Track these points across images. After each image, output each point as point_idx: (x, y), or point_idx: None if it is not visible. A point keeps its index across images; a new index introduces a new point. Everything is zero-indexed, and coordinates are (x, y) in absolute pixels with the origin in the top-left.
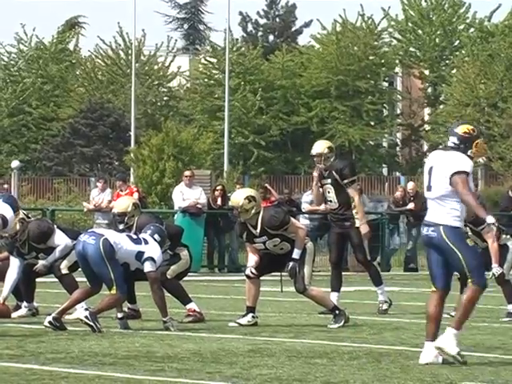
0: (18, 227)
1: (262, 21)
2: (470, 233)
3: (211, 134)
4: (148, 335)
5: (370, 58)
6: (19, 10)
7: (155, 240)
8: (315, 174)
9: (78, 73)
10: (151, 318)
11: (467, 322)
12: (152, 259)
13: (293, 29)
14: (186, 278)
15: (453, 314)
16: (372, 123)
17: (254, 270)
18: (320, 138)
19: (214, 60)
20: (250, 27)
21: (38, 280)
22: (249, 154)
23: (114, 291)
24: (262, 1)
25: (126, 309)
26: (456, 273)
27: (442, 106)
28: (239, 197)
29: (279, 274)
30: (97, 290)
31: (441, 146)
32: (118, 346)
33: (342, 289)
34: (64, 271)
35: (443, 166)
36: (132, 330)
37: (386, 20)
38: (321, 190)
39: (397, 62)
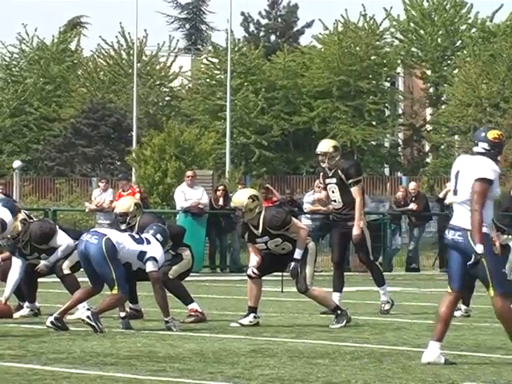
0: (20, 228)
1: (264, 21)
2: None
3: (213, 134)
4: (150, 335)
5: (372, 58)
6: (21, 9)
7: (157, 240)
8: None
9: (79, 73)
10: (153, 318)
11: (468, 322)
12: (154, 259)
13: (294, 29)
14: (187, 278)
15: (454, 313)
16: (374, 123)
17: (255, 270)
18: (322, 138)
19: (215, 60)
20: (251, 27)
21: (39, 280)
22: (250, 154)
23: (115, 291)
24: (264, 1)
25: (127, 309)
26: None
27: (443, 106)
28: (243, 197)
29: (281, 274)
30: (98, 290)
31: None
32: (119, 346)
33: (344, 289)
34: (66, 271)
35: (469, 170)
36: (134, 330)
37: (387, 20)
38: (324, 192)
39: (399, 62)
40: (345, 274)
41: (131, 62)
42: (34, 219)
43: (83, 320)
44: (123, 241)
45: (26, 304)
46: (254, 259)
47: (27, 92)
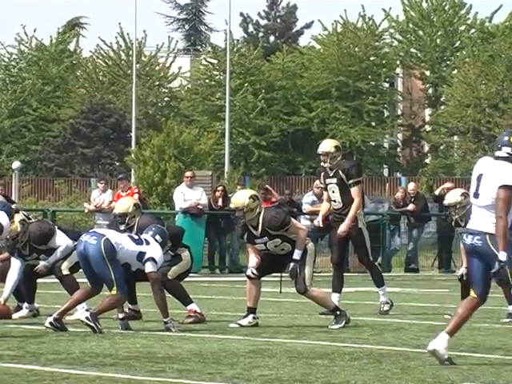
0: (19, 229)
1: (263, 22)
2: None
3: (212, 134)
4: (149, 336)
5: (371, 58)
6: (20, 10)
7: (156, 241)
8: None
9: (78, 73)
10: (152, 318)
11: (467, 322)
12: (153, 260)
13: (294, 30)
14: (186, 279)
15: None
16: (373, 124)
17: (254, 271)
18: (321, 138)
19: (214, 61)
20: (250, 28)
21: (38, 281)
22: (250, 154)
23: (114, 292)
24: (263, 2)
25: (126, 309)
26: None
27: (442, 107)
28: (243, 196)
29: (280, 274)
30: (97, 291)
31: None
32: (118, 347)
33: (343, 290)
34: (65, 272)
35: (493, 176)
36: (133, 330)
37: (386, 21)
38: (325, 193)
39: (398, 62)
40: (344, 274)
41: (130, 62)
42: (33, 220)
43: (82, 321)
44: (122, 241)
45: (25, 305)
46: (253, 260)
47: (26, 93)
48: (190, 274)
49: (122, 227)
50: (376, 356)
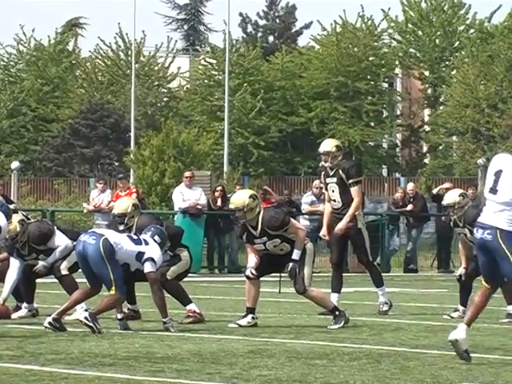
0: (18, 229)
1: (262, 22)
2: (468, 234)
3: (211, 134)
4: (148, 336)
5: (370, 58)
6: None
7: (155, 241)
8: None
9: (77, 74)
10: (151, 318)
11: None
12: (152, 260)
13: (293, 30)
14: (185, 279)
15: (453, 315)
16: (372, 124)
17: (253, 271)
18: (320, 138)
19: (213, 61)
20: (249, 28)
21: (37, 281)
22: (249, 154)
23: (113, 292)
24: (262, 2)
25: (125, 309)
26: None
27: (441, 107)
28: (243, 196)
29: (279, 274)
30: (97, 291)
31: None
32: (117, 347)
33: (342, 290)
34: (64, 272)
35: None
36: (132, 330)
37: (385, 21)
38: (325, 192)
39: (397, 62)
40: (343, 274)
41: (129, 62)
42: (32, 220)
43: (81, 321)
44: (121, 241)
45: (24, 305)
46: (252, 260)
47: (24, 93)
48: (189, 274)
49: (121, 227)
50: (375, 356)
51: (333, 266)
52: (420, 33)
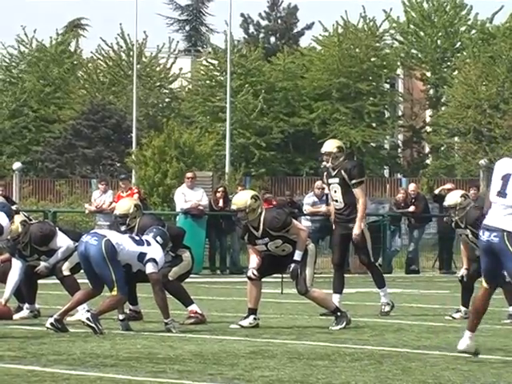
0: (20, 229)
1: (264, 22)
2: (470, 235)
3: (213, 135)
4: (149, 337)
5: (372, 59)
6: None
7: (157, 242)
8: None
9: (79, 74)
10: (153, 319)
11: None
12: (154, 261)
13: (294, 30)
14: (187, 280)
15: (454, 315)
16: (373, 125)
17: (255, 272)
18: (321, 139)
19: (215, 62)
20: (251, 29)
21: (39, 282)
22: (250, 155)
23: (115, 292)
24: (264, 2)
25: (127, 310)
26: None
27: (443, 108)
28: (245, 197)
29: (280, 275)
30: (98, 292)
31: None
32: (119, 348)
33: (344, 290)
34: (66, 273)
35: None
36: (133, 331)
37: (387, 22)
38: (326, 189)
39: (398, 63)
40: (345, 275)
41: (131, 63)
42: (34, 221)
43: (83, 321)
44: (123, 242)
45: (26, 305)
46: (253, 261)
47: (26, 94)
48: (191, 275)
49: (123, 228)
50: (377, 357)
51: (334, 266)
52: (422, 33)
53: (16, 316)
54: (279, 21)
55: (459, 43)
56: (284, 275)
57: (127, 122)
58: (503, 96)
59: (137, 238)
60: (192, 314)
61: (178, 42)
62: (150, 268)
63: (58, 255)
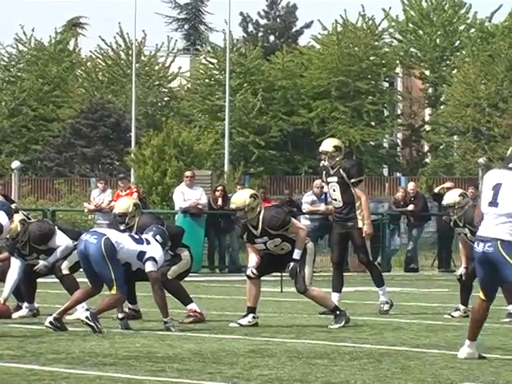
0: (19, 228)
1: (263, 21)
2: (468, 234)
3: (212, 134)
4: (149, 335)
5: (371, 58)
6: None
7: (157, 241)
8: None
9: (78, 73)
10: (152, 318)
11: (467, 322)
12: (154, 259)
13: (293, 29)
14: (186, 279)
15: (453, 314)
16: (372, 124)
17: (254, 271)
18: (320, 138)
19: (214, 60)
20: (250, 27)
21: (38, 280)
22: (249, 154)
23: (114, 291)
24: (263, 1)
25: (126, 309)
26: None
27: (442, 107)
28: (244, 196)
29: (280, 274)
30: (98, 291)
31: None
32: (118, 347)
33: (343, 289)
34: (65, 272)
35: None
36: (133, 330)
37: (386, 20)
38: (325, 188)
39: (397, 62)
40: (344, 274)
41: (130, 62)
42: (33, 220)
43: (82, 320)
44: (123, 241)
45: (25, 304)
46: (253, 259)
47: (25, 93)
48: (190, 274)
49: (122, 227)
50: (376, 356)
51: (333, 265)
52: (421, 32)
53: (15, 315)
54: (278, 19)
55: (458, 42)
56: (283, 274)
57: (126, 120)
58: (502, 95)
59: (136, 236)
60: (191, 313)
61: (176, 40)
62: (149, 266)
63: (57, 254)
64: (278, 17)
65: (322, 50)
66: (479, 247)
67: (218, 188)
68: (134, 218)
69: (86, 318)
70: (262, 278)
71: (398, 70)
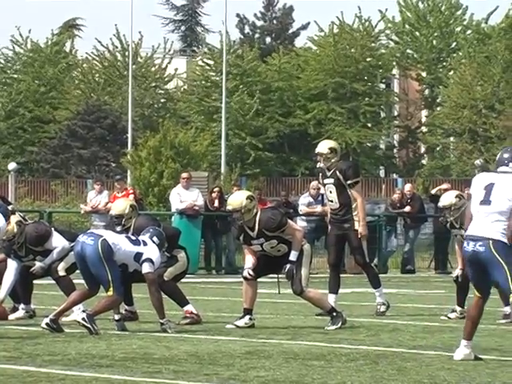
0: (15, 230)
1: (259, 23)
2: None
3: (208, 135)
4: (145, 337)
5: (367, 59)
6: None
7: (154, 242)
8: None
9: (74, 75)
10: (148, 319)
11: (463, 323)
12: (150, 260)
13: (290, 31)
14: (183, 280)
15: (450, 315)
16: (369, 125)
17: (251, 272)
18: (317, 139)
19: (211, 62)
20: (247, 29)
21: (35, 282)
22: (246, 155)
23: (110, 293)
24: (259, 3)
25: (123, 311)
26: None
27: (438, 108)
28: (240, 197)
29: (276, 275)
30: (94, 292)
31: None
32: (115, 348)
33: (340, 291)
34: (61, 273)
35: (510, 186)
36: (129, 331)
37: (383, 22)
38: (322, 189)
39: (394, 63)
40: (340, 275)
41: (126, 63)
42: (29, 221)
43: (78, 322)
44: (120, 242)
45: (21, 306)
46: (249, 261)
47: (21, 94)
48: (187, 275)
49: (119, 228)
50: (372, 357)
51: (330, 267)
52: (417, 34)
53: (11, 316)
54: (275, 21)
55: (454, 43)
56: (280, 275)
57: (122, 122)
58: (498, 96)
59: (133, 237)
60: (187, 315)
61: (172, 41)
62: (146, 268)
63: (54, 255)
64: (274, 18)
65: (319, 51)
66: (469, 246)
67: (215, 189)
68: (131, 219)
69: (83, 319)
70: (259, 280)
71: (395, 71)
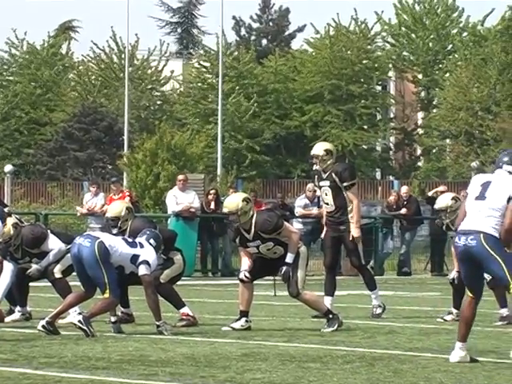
0: (11, 232)
1: (256, 25)
2: None
3: (204, 137)
4: (141, 339)
5: (364, 62)
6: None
7: (151, 245)
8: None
9: (70, 77)
10: (144, 322)
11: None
12: (147, 263)
13: (286, 33)
14: (179, 282)
15: (446, 317)
16: (365, 127)
17: (247, 274)
18: (313, 142)
19: (207, 64)
20: (243, 31)
21: (31, 284)
22: (242, 158)
23: (107, 295)
24: (256, 5)
25: (119, 313)
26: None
27: (435, 110)
28: (236, 200)
29: (272, 278)
30: (90, 295)
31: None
32: (111, 350)
33: (336, 293)
34: (57, 275)
35: (505, 185)
36: (125, 334)
37: (379, 24)
38: (318, 192)
39: (390, 66)
40: (336, 277)
41: (122, 66)
42: (25, 223)
43: (74, 324)
44: (116, 244)
45: (18, 308)
46: (245, 263)
47: (18, 97)
48: (183, 278)
49: (115, 231)
50: (368, 359)
51: (326, 269)
52: (413, 36)
53: (7, 319)
54: (271, 23)
55: (451, 45)
56: (276, 278)
57: (119, 124)
58: (495, 98)
59: (130, 240)
60: (184, 317)
61: (168, 44)
62: (142, 270)
63: (50, 258)
64: (270, 20)
65: (315, 53)
66: (461, 241)
67: (211, 192)
68: (127, 221)
69: (79, 321)
70: (255, 282)
71: (391, 73)
